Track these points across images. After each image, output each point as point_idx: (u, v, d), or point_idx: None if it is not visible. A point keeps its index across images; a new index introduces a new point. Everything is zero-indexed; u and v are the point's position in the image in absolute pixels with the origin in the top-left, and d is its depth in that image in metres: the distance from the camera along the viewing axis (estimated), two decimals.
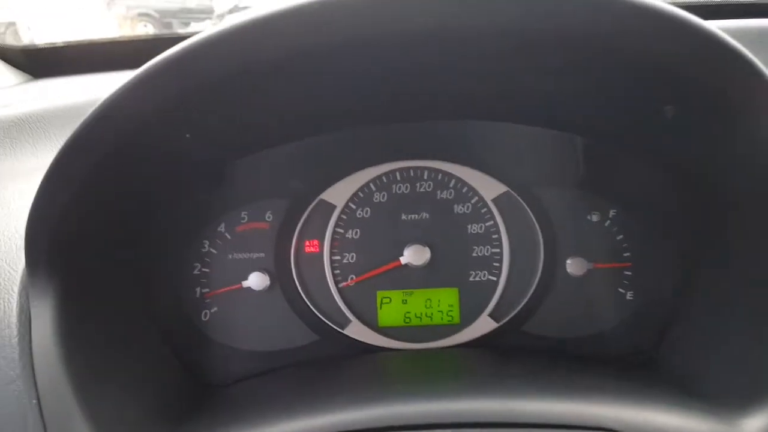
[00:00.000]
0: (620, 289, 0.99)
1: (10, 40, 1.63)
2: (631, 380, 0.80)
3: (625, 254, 0.99)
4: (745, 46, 0.58)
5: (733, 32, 1.04)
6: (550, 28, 0.57)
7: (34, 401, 0.64)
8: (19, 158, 1.01)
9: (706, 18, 0.57)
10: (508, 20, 0.57)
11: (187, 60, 0.58)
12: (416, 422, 0.60)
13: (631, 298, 0.98)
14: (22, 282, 0.72)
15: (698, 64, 0.58)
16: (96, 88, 1.15)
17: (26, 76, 1.40)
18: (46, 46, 1.45)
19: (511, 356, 0.96)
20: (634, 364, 0.93)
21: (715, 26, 0.56)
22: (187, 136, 0.75)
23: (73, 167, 0.64)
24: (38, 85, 1.33)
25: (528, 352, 0.99)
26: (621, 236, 0.99)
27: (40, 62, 1.39)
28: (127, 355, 0.79)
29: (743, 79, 0.58)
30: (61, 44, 1.45)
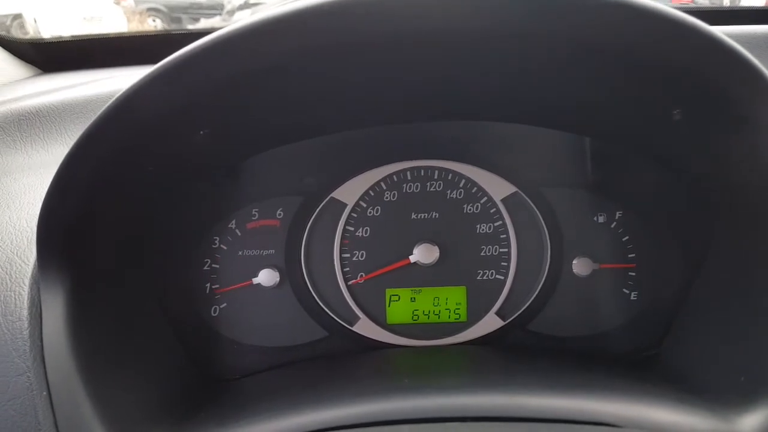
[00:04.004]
0: (625, 290, 1.00)
1: (16, 33, 1.63)
2: (633, 378, 0.81)
3: (630, 255, 1.00)
4: (752, 52, 0.58)
5: (741, 38, 1.05)
6: (560, 30, 0.58)
7: (45, 393, 0.65)
8: (29, 152, 1.01)
9: (713, 23, 0.58)
10: (519, 22, 0.58)
11: (206, 57, 0.58)
12: (422, 416, 0.61)
13: (635, 298, 1.00)
14: (33, 275, 0.72)
15: (703, 68, 0.59)
16: (106, 84, 1.15)
17: (35, 70, 1.40)
18: (54, 39, 1.45)
19: (517, 354, 0.97)
20: (636, 362, 0.94)
21: (721, 31, 0.57)
22: (201, 132, 0.76)
23: (88, 161, 0.64)
24: (48, 79, 1.33)
25: (533, 349, 1.00)
26: (626, 237, 1.00)
27: (49, 56, 1.39)
28: (137, 348, 0.79)
29: (746, 84, 0.58)
30: (70, 38, 1.45)
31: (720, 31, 0.57)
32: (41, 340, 0.67)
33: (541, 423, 0.60)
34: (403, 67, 0.72)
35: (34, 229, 0.67)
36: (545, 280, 0.99)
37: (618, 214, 1.00)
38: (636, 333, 0.98)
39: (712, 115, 0.67)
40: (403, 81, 0.78)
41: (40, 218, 0.66)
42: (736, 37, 1.07)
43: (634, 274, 1.00)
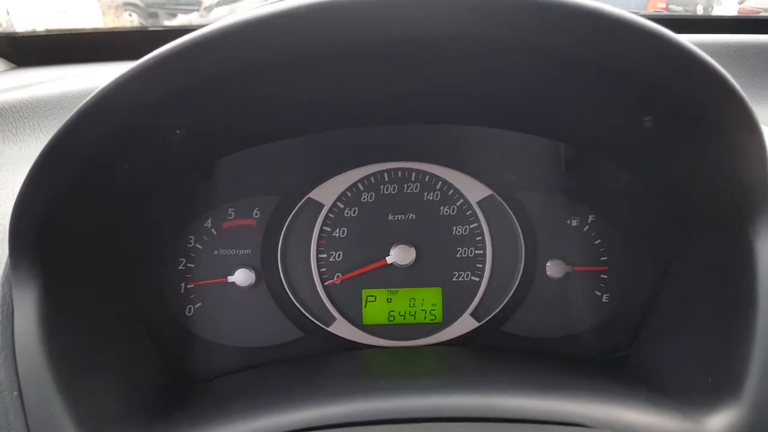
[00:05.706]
0: (596, 292, 1.02)
1: None
2: (604, 379, 0.82)
3: (602, 258, 1.02)
4: (723, 60, 0.60)
5: (713, 47, 1.08)
6: (532, 39, 0.59)
7: (15, 393, 0.63)
8: (1, 149, 0.99)
9: (686, 32, 0.59)
10: (494, 30, 0.58)
11: (184, 57, 0.58)
12: (397, 417, 0.61)
13: (607, 300, 1.01)
14: (4, 273, 0.70)
15: (669, 76, 0.60)
16: (82, 80, 1.13)
17: (9, 64, 1.37)
18: (28, 33, 1.42)
19: (491, 354, 0.98)
20: (607, 363, 0.96)
21: (693, 40, 0.58)
22: (178, 131, 0.75)
23: (63, 159, 0.63)
24: (22, 73, 1.30)
25: (507, 350, 1.01)
26: (599, 241, 1.02)
27: (22, 50, 1.37)
28: (110, 348, 0.78)
29: (713, 93, 0.60)
30: (44, 32, 1.42)
31: (691, 39, 0.58)
32: (12, 340, 0.65)
33: (513, 423, 0.61)
34: (382, 71, 0.73)
35: (6, 227, 0.66)
36: (519, 281, 1.01)
37: (591, 218, 1.02)
38: (607, 335, 1.00)
39: (681, 123, 0.68)
40: (383, 84, 0.79)
41: (13, 216, 0.65)
42: (708, 46, 1.10)
43: (606, 276, 1.02)
